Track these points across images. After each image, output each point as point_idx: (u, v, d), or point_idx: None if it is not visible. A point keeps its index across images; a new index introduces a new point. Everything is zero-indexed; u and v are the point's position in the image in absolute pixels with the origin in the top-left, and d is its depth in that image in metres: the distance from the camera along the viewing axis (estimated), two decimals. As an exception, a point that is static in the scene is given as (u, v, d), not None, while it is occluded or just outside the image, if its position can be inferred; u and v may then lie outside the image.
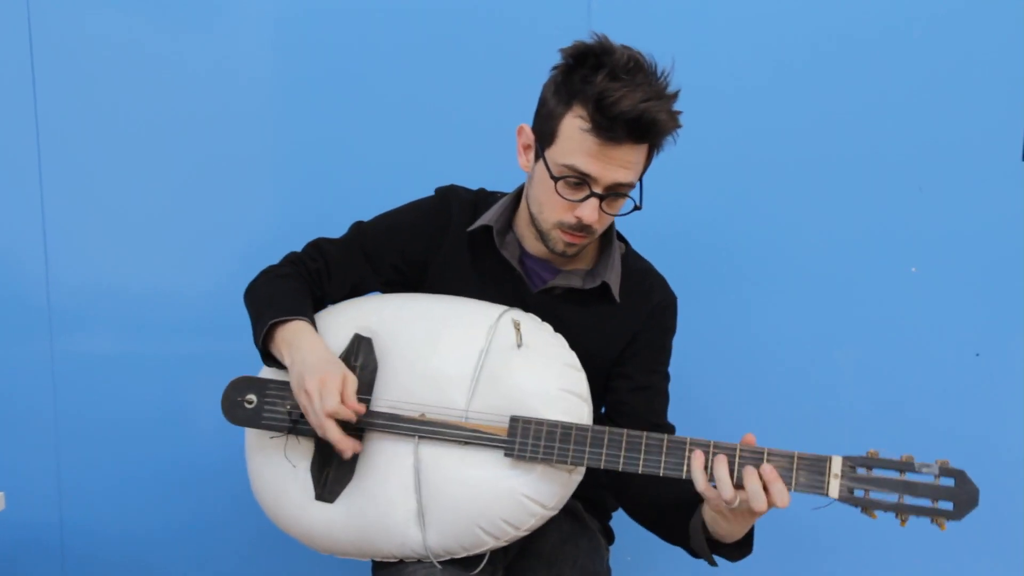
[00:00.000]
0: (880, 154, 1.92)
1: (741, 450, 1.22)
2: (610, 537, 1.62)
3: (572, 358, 1.39)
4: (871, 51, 1.90)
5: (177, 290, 1.97)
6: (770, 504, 1.18)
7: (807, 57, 1.90)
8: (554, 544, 1.47)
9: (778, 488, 1.18)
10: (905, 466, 1.19)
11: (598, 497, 1.58)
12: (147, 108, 1.91)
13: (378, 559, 1.42)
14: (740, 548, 1.30)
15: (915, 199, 1.93)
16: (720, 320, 1.97)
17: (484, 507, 1.32)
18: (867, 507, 1.19)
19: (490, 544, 1.34)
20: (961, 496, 1.17)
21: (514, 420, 1.31)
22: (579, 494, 1.44)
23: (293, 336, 1.39)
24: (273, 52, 1.92)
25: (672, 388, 1.52)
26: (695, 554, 1.35)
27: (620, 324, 1.47)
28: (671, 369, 1.53)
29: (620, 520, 1.61)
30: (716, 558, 1.34)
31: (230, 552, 2.02)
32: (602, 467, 1.28)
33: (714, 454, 1.22)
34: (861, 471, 1.20)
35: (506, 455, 1.31)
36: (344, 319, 1.47)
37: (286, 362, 1.39)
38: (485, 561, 1.37)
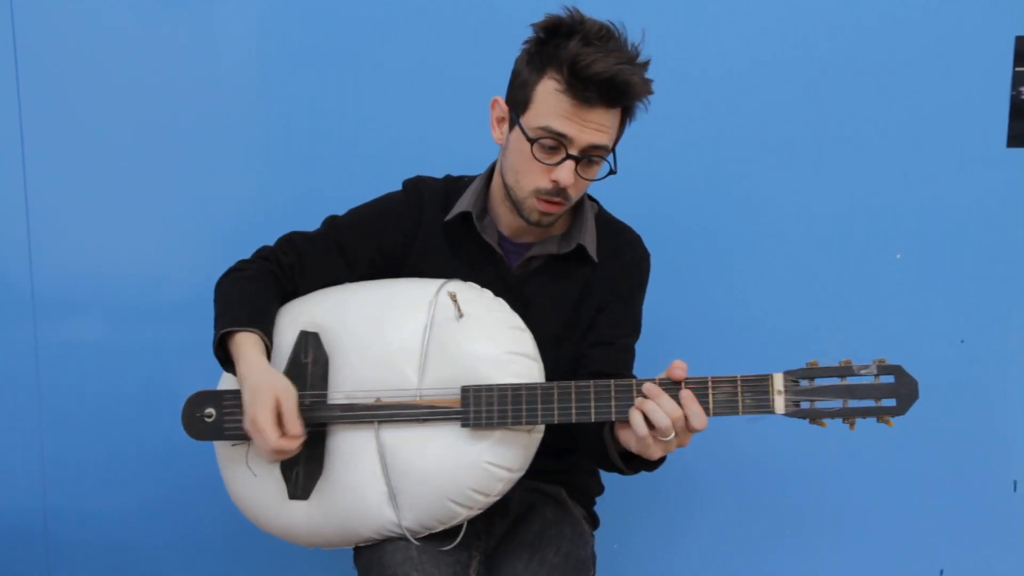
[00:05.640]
0: (865, 139, 1.91)
1: (686, 382, 1.24)
2: (595, 522, 1.63)
3: (516, 320, 1.40)
4: (857, 34, 1.88)
5: (161, 276, 1.96)
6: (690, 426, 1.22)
7: (793, 40, 1.89)
8: (537, 531, 1.48)
9: (694, 411, 1.22)
10: (845, 371, 1.21)
11: (582, 483, 1.60)
12: (131, 93, 1.90)
13: (362, 544, 1.44)
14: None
15: (900, 185, 1.92)
16: (703, 308, 1.96)
17: (451, 480, 1.34)
18: (815, 418, 1.21)
19: (464, 515, 1.36)
20: (902, 391, 1.20)
21: (465, 390, 1.33)
22: (562, 480, 1.47)
23: (238, 351, 1.39)
24: (257, 36, 1.91)
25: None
26: (618, 470, 1.39)
27: (601, 283, 1.49)
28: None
29: (606, 506, 1.63)
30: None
31: (215, 539, 2.03)
32: (556, 422, 1.30)
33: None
34: (804, 383, 1.22)
35: (463, 426, 1.33)
36: (287, 319, 1.47)
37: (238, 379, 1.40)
38: (462, 534, 1.39)
